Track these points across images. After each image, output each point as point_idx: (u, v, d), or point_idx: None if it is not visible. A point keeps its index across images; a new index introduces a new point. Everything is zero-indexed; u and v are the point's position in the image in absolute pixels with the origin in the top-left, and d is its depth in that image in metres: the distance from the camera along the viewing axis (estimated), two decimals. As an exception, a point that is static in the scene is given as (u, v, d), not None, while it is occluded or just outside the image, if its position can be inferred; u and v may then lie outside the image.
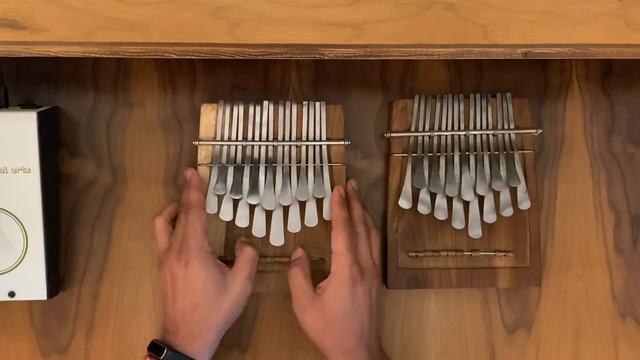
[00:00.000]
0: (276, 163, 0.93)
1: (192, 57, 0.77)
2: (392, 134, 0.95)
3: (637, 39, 0.78)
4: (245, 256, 0.89)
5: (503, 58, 0.78)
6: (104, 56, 0.76)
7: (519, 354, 0.99)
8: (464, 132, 0.94)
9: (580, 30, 0.77)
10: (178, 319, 0.86)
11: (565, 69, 0.98)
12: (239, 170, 0.92)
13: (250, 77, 0.96)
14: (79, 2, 0.75)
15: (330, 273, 0.89)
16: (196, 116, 0.94)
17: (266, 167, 0.93)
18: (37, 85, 0.95)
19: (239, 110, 0.93)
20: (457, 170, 0.94)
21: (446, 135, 0.94)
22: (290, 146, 0.93)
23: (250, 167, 0.92)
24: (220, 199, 0.92)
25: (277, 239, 0.92)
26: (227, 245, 0.94)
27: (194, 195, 0.89)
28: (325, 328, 0.88)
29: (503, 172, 0.94)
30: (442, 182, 0.93)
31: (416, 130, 0.95)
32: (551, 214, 0.99)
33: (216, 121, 0.93)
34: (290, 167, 0.93)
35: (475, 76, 0.98)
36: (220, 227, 0.94)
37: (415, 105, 0.95)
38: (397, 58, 0.77)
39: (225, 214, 0.92)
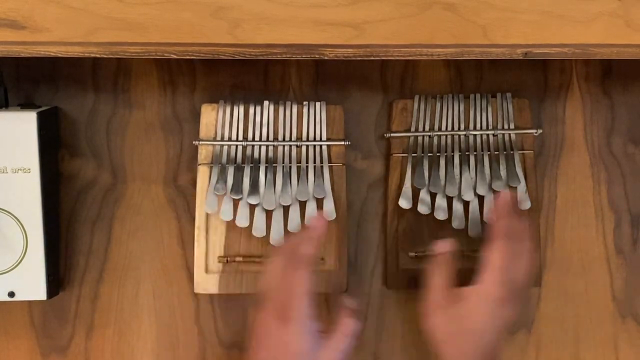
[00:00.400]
0: (276, 163, 0.93)
1: (192, 57, 0.77)
2: (392, 134, 0.95)
3: (637, 39, 0.78)
4: (344, 329, 0.83)
5: (503, 58, 0.78)
6: (104, 56, 0.76)
7: (519, 354, 0.99)
8: (464, 132, 0.94)
9: (580, 30, 0.77)
10: None
11: (565, 69, 0.98)
12: (239, 170, 0.92)
13: (250, 77, 0.96)
14: (79, 2, 0.75)
15: (478, 283, 0.84)
16: (196, 116, 0.94)
17: (266, 167, 0.93)
18: (37, 85, 0.95)
19: (239, 110, 0.93)
20: (457, 170, 0.94)
21: (446, 135, 0.94)
22: (290, 146, 0.93)
23: (251, 167, 0.92)
24: (220, 198, 0.92)
25: (277, 239, 0.92)
26: (227, 245, 0.94)
27: (306, 249, 0.83)
28: (454, 336, 0.84)
29: (503, 172, 0.94)
30: (442, 182, 0.93)
31: (416, 131, 0.95)
32: (551, 214, 0.99)
33: (216, 121, 0.93)
34: (290, 167, 0.93)
35: (475, 76, 0.98)
36: (220, 227, 0.94)
37: (415, 105, 0.95)
38: (397, 58, 0.77)
39: (226, 214, 0.92)
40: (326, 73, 0.97)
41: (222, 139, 0.93)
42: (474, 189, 0.93)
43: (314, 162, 0.93)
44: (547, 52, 0.78)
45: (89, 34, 0.75)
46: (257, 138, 0.93)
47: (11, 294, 0.89)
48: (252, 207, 0.92)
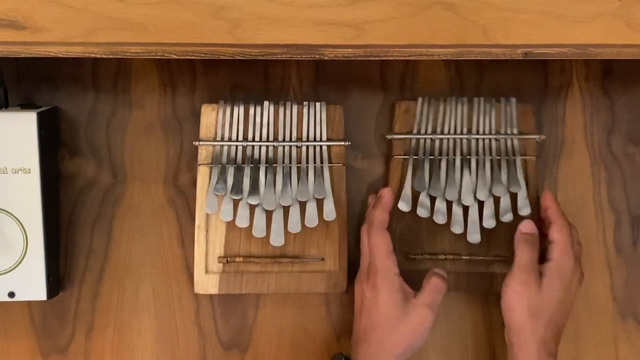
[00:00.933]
0: (276, 163, 0.93)
1: (192, 57, 0.77)
2: (394, 136, 0.95)
3: (638, 39, 0.78)
4: (431, 286, 0.88)
5: (503, 58, 0.78)
6: (104, 56, 0.76)
7: (519, 354, 0.99)
8: (466, 136, 0.94)
9: (580, 31, 0.77)
10: (360, 336, 0.88)
11: (565, 69, 0.98)
12: (239, 171, 0.92)
13: (250, 77, 0.96)
14: (79, 2, 0.75)
15: (551, 260, 0.88)
16: (196, 116, 0.94)
17: (266, 168, 0.93)
18: (37, 85, 0.95)
19: (239, 110, 0.93)
20: (457, 174, 0.93)
21: (448, 139, 0.94)
22: (290, 146, 0.93)
23: (251, 167, 0.92)
24: (220, 199, 0.92)
25: (277, 239, 0.92)
26: (227, 245, 0.94)
27: (379, 215, 0.89)
28: (538, 310, 0.87)
29: (504, 177, 0.93)
30: (443, 186, 0.93)
31: (418, 133, 0.95)
32: (551, 214, 0.99)
33: (216, 121, 0.93)
34: (290, 167, 0.93)
35: (475, 76, 0.98)
36: (220, 227, 0.94)
37: (418, 107, 0.95)
38: (397, 58, 0.77)
39: (226, 214, 0.92)
40: (326, 73, 0.97)
41: (222, 139, 0.93)
42: (474, 193, 0.93)
43: (314, 163, 0.93)
44: (547, 52, 0.78)
45: (89, 34, 0.75)
46: (257, 138, 0.93)
47: (11, 294, 0.89)
48: (252, 208, 0.92)
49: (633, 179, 0.99)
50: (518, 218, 0.92)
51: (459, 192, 0.93)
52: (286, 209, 0.93)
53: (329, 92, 0.97)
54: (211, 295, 0.97)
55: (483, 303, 0.99)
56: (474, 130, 0.95)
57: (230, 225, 0.93)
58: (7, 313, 0.96)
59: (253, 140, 0.93)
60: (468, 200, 0.93)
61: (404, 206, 0.93)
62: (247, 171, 0.92)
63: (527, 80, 0.98)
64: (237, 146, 0.93)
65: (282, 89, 0.97)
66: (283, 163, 0.93)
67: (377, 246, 0.87)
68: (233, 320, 0.98)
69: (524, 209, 0.93)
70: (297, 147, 0.93)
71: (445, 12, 0.76)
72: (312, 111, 0.94)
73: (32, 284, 0.90)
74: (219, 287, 0.93)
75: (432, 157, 0.94)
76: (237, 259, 0.93)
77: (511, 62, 0.91)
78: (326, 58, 0.77)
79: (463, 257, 0.95)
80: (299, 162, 0.93)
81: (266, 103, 0.93)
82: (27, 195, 0.88)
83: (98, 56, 0.76)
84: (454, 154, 0.94)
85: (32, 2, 0.75)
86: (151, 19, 0.75)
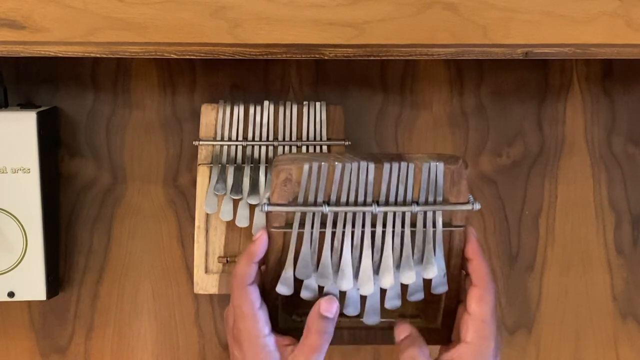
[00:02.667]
0: (276, 163, 0.93)
1: (192, 57, 0.77)
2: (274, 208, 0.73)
3: (638, 39, 0.78)
4: (311, 344, 0.72)
5: (503, 58, 0.78)
6: (104, 56, 0.76)
7: (519, 354, 0.99)
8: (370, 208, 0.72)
9: (580, 30, 0.77)
10: None
11: (565, 69, 0.98)
12: (239, 170, 0.92)
13: (250, 77, 0.96)
14: (79, 2, 0.75)
15: (464, 341, 0.73)
16: (196, 116, 0.94)
17: (266, 167, 0.92)
18: (37, 85, 0.95)
19: (239, 110, 0.93)
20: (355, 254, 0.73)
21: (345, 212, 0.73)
22: (290, 146, 0.93)
23: (251, 167, 0.92)
24: (220, 199, 0.92)
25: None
26: (227, 245, 0.94)
27: (242, 268, 0.73)
28: None
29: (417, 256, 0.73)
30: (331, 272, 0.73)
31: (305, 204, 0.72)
32: (551, 214, 0.99)
33: (216, 121, 0.93)
34: (290, 167, 0.93)
35: (475, 76, 0.98)
36: (220, 227, 0.94)
37: (305, 174, 0.72)
38: (397, 58, 0.77)
39: (225, 214, 0.91)
40: (326, 73, 0.97)
41: (222, 139, 0.93)
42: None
43: (314, 162, 0.93)
44: (547, 52, 0.78)
45: (89, 34, 0.75)
46: (257, 138, 0.93)
47: (11, 294, 0.89)
48: (252, 208, 0.92)
49: (633, 179, 0.99)
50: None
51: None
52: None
53: (329, 92, 0.97)
54: (211, 295, 0.97)
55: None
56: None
57: (230, 225, 0.93)
58: (7, 313, 0.96)
59: (253, 140, 0.93)
60: (367, 289, 0.73)
61: (284, 290, 0.74)
62: (247, 171, 0.92)
63: (527, 80, 0.98)
64: (237, 146, 0.93)
65: (282, 88, 0.97)
66: (283, 163, 0.93)
67: (240, 306, 0.72)
68: (233, 320, 0.98)
69: (440, 287, 0.75)
70: (297, 147, 0.93)
71: (445, 12, 0.76)
72: (312, 111, 0.94)
73: (31, 284, 0.90)
74: (219, 287, 0.93)
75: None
76: (237, 259, 0.93)
77: (511, 62, 0.91)
78: (326, 58, 0.77)
79: (360, 318, 0.76)
80: (299, 162, 0.93)
81: (266, 103, 0.93)
82: (26, 195, 0.88)
83: (98, 56, 0.76)
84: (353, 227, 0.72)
85: (32, 2, 0.75)
86: (151, 19, 0.75)
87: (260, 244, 0.73)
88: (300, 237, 0.73)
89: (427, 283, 0.74)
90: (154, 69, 0.96)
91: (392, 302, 0.75)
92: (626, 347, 1.00)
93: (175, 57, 0.76)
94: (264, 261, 0.74)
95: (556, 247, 0.99)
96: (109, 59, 0.94)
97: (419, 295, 0.75)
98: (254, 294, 0.73)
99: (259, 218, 0.92)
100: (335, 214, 0.72)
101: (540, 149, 0.98)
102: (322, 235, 0.73)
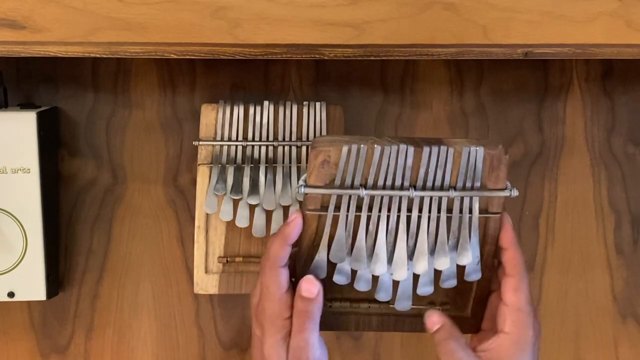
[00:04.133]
0: (276, 163, 0.93)
1: (192, 57, 0.77)
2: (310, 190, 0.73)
3: (638, 38, 0.78)
4: (295, 327, 0.73)
5: (503, 58, 0.78)
6: (104, 56, 0.76)
7: (519, 354, 0.99)
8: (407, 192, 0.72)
9: (580, 30, 0.77)
10: None
11: (565, 69, 0.98)
12: (239, 170, 0.92)
13: (250, 77, 0.96)
14: (79, 2, 0.75)
15: (502, 332, 0.73)
16: (196, 116, 0.94)
17: (266, 167, 0.92)
18: (37, 85, 0.95)
19: (239, 110, 0.93)
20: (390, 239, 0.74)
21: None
22: (290, 146, 0.93)
23: (251, 167, 0.92)
24: (220, 199, 0.92)
25: (277, 239, 0.92)
26: (227, 245, 0.94)
27: (275, 249, 0.73)
28: None
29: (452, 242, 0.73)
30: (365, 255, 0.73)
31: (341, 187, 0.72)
32: (551, 214, 0.99)
33: (216, 121, 0.93)
34: (290, 167, 0.93)
35: (475, 76, 0.98)
36: (220, 227, 0.94)
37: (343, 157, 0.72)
38: (397, 58, 0.77)
39: (225, 214, 0.91)
40: (326, 73, 0.97)
41: (222, 139, 0.93)
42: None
43: (314, 162, 0.93)
44: (547, 52, 0.78)
45: (89, 34, 0.75)
46: (257, 138, 0.93)
47: (11, 294, 0.89)
48: (252, 208, 0.92)
49: (633, 179, 0.99)
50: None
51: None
52: (286, 209, 0.93)
53: (329, 92, 0.97)
54: (211, 296, 0.97)
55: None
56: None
57: (230, 225, 0.93)
58: (7, 313, 0.96)
59: (253, 140, 0.93)
60: (400, 274, 0.73)
61: (316, 273, 0.74)
62: (247, 171, 0.92)
63: (527, 80, 0.98)
64: (237, 146, 0.93)
65: (282, 88, 0.97)
66: (283, 163, 0.93)
67: (268, 287, 0.72)
68: (233, 320, 0.98)
69: (473, 275, 0.75)
70: (297, 147, 0.93)
71: (445, 12, 0.76)
72: (312, 111, 0.94)
73: (31, 284, 0.90)
74: (218, 287, 0.93)
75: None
76: (237, 259, 0.93)
77: (511, 62, 0.91)
78: (326, 58, 0.77)
79: (391, 304, 0.76)
80: (299, 162, 0.93)
81: (266, 103, 0.93)
82: (26, 195, 0.88)
83: (98, 56, 0.76)
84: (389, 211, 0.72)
85: (32, 2, 0.75)
86: (151, 19, 0.75)
87: (295, 226, 0.73)
88: (335, 220, 0.73)
89: (460, 270, 0.74)
90: (154, 69, 0.96)
91: (425, 288, 0.75)
92: (626, 347, 1.00)
93: (175, 57, 0.76)
94: (296, 243, 0.74)
95: (556, 247, 0.99)
96: (109, 59, 0.94)
97: (452, 282, 0.75)
98: (284, 276, 0.73)
99: (259, 218, 0.92)
100: (372, 198, 0.72)
101: (540, 149, 0.98)
102: (357, 219, 0.72)
